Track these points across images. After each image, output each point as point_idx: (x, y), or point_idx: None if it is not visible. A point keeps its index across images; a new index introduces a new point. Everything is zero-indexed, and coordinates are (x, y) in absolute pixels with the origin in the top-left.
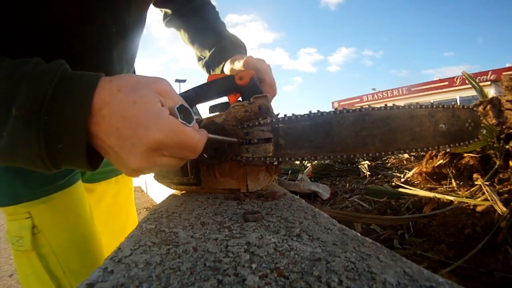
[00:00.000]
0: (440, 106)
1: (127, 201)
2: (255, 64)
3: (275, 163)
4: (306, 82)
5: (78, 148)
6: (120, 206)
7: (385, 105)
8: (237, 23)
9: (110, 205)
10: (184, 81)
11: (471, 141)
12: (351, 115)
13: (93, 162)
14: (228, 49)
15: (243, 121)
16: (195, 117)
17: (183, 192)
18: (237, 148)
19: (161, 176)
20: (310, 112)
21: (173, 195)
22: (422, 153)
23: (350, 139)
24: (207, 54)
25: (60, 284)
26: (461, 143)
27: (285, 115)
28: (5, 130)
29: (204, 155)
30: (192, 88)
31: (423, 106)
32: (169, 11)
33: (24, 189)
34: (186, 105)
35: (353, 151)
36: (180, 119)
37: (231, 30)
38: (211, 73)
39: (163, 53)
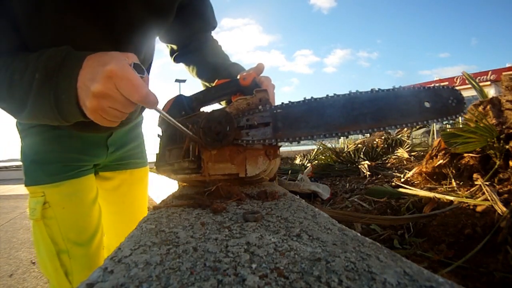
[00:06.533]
0: (422, 87)
1: (141, 195)
2: (261, 77)
3: (274, 143)
4: (303, 83)
5: (71, 94)
6: (134, 197)
7: (371, 88)
8: (232, 27)
9: (125, 195)
10: (184, 81)
11: (457, 116)
12: (342, 98)
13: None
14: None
15: (245, 111)
16: (146, 74)
17: (182, 191)
18: (238, 132)
19: (163, 163)
20: (304, 98)
21: (173, 195)
22: (413, 128)
23: (343, 119)
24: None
25: (59, 248)
26: (448, 117)
27: (282, 103)
28: (31, 92)
29: (207, 138)
30: (201, 91)
31: (405, 88)
32: (175, 47)
33: (42, 176)
34: (142, 66)
35: (347, 128)
36: (132, 68)
37: (227, 33)
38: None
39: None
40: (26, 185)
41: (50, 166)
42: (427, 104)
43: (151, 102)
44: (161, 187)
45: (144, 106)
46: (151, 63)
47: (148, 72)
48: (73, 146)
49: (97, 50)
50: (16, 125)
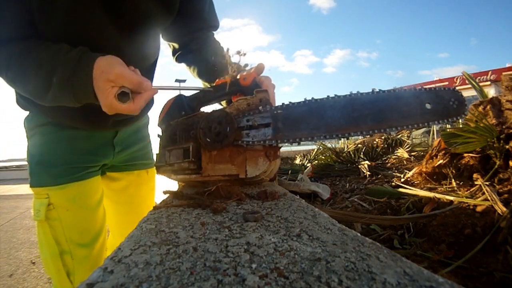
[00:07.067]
0: (423, 88)
1: (148, 196)
2: (261, 77)
3: (274, 144)
4: (303, 84)
5: (90, 94)
6: (142, 198)
7: (372, 89)
8: (232, 27)
9: (133, 195)
10: (184, 81)
11: (458, 117)
12: (343, 99)
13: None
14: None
15: (245, 112)
16: (131, 96)
17: (182, 191)
18: (238, 132)
19: (162, 163)
20: (305, 99)
21: (173, 195)
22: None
23: (343, 120)
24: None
25: (62, 249)
26: (449, 119)
27: (283, 103)
28: (50, 90)
29: (207, 139)
30: (201, 90)
31: (407, 90)
32: (176, 45)
33: (47, 178)
34: (127, 90)
35: (347, 130)
36: (117, 99)
37: (226, 34)
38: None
39: (161, 56)
40: (31, 186)
41: (55, 168)
42: (428, 106)
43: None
44: (161, 187)
45: (148, 105)
46: (156, 59)
47: (154, 69)
48: (79, 147)
49: (104, 35)
50: (24, 123)
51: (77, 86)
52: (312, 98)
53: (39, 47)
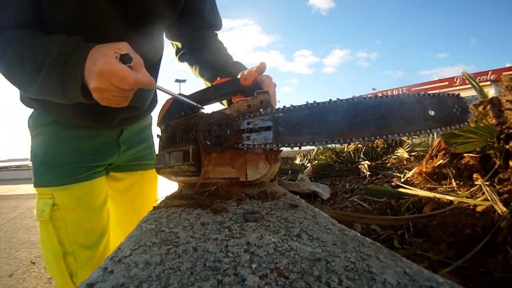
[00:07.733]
0: (427, 94)
1: (151, 196)
2: (262, 77)
3: (275, 148)
4: (303, 84)
5: (77, 80)
6: (144, 198)
7: (376, 94)
8: (231, 28)
9: (135, 196)
10: (184, 81)
11: (461, 125)
12: (345, 104)
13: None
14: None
15: (245, 114)
16: (134, 61)
17: (182, 191)
18: (238, 135)
19: (162, 165)
20: (307, 102)
21: (173, 195)
22: (415, 137)
23: (345, 125)
24: None
25: (65, 250)
26: (452, 127)
27: (284, 106)
28: (41, 72)
29: (207, 141)
30: (201, 90)
31: (411, 95)
32: (179, 45)
33: (52, 178)
34: (130, 54)
35: (349, 135)
36: (118, 60)
37: (226, 34)
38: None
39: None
40: (35, 186)
41: (59, 168)
42: (431, 112)
43: (145, 84)
44: (160, 187)
45: (151, 105)
46: (159, 59)
47: (157, 70)
48: (84, 146)
49: (110, 29)
50: (28, 121)
51: (71, 64)
52: (314, 101)
53: (38, 33)
